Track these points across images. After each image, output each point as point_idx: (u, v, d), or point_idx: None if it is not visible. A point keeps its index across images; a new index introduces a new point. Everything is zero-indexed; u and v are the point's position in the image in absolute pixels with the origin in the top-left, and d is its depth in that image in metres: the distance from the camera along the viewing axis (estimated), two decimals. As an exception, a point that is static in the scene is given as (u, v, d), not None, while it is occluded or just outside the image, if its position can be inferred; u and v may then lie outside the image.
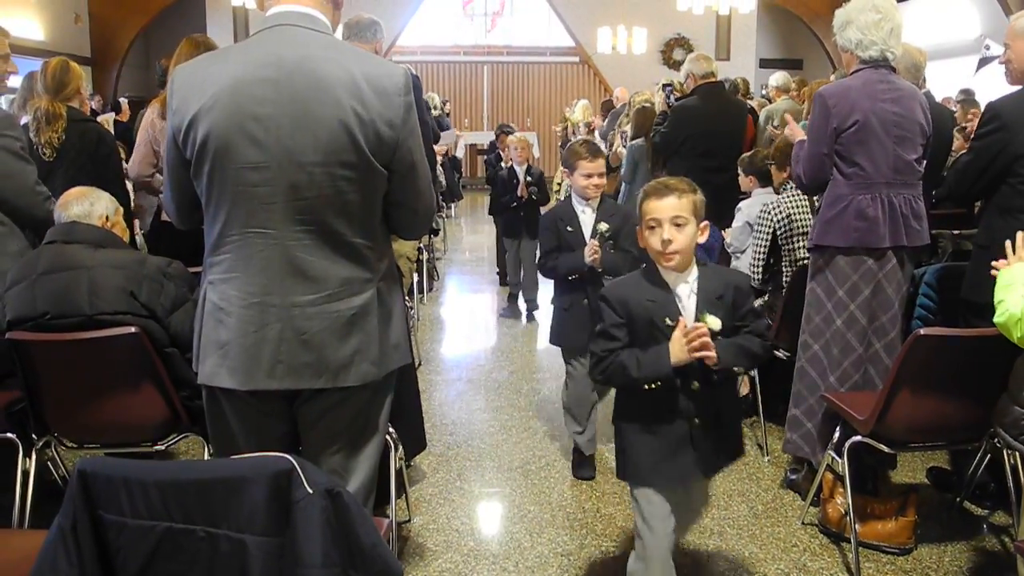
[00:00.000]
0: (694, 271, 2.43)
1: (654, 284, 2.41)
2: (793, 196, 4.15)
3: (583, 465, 3.85)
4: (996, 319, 2.46)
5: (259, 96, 1.90)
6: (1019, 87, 3.32)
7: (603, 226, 3.60)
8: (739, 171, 4.92)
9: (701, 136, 5.36)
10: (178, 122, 1.96)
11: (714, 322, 2.32)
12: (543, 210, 6.56)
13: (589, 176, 3.67)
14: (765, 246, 4.19)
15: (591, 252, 3.53)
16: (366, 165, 1.96)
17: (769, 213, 4.17)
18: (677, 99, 5.97)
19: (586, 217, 3.70)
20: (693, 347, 2.28)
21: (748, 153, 5.12)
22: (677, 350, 2.30)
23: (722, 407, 2.47)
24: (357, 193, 1.97)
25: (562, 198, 6.76)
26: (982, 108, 3.60)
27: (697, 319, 2.34)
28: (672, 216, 2.35)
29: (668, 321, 2.34)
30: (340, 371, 2.02)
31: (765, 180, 4.79)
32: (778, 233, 4.13)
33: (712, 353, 2.28)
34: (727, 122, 5.55)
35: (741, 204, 4.96)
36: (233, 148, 1.91)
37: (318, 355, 2.00)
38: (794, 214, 4.10)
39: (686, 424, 2.40)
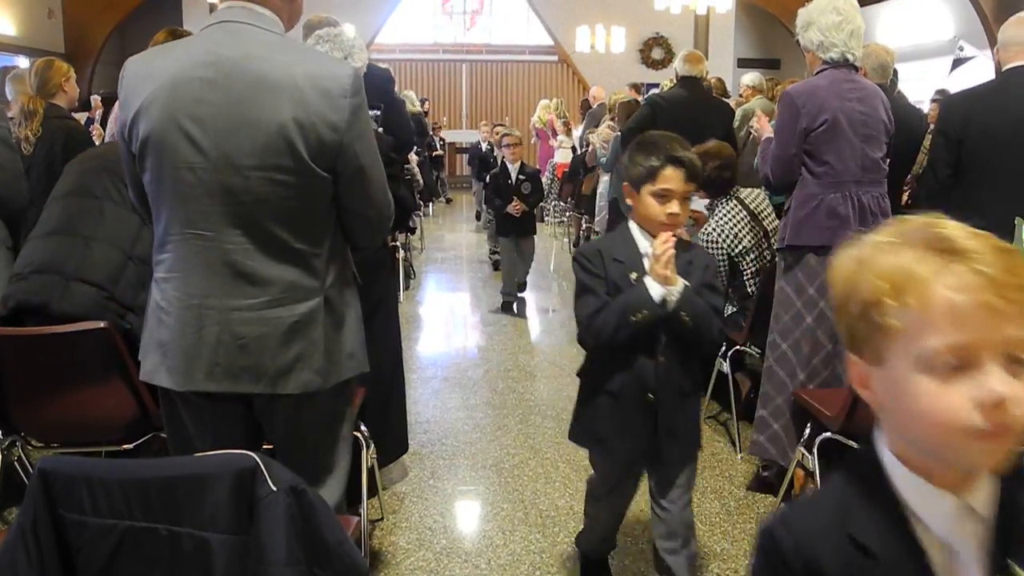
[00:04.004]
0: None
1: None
2: (729, 212, 4.13)
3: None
4: None
5: (196, 96, 1.87)
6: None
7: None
8: None
9: (680, 123, 5.36)
10: (124, 116, 1.95)
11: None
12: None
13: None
14: (724, 269, 4.14)
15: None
16: (305, 170, 1.90)
17: (715, 242, 4.10)
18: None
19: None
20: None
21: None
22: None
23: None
24: (297, 199, 1.92)
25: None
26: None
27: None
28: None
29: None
30: (279, 378, 1.98)
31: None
32: (732, 254, 4.10)
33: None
34: (709, 113, 5.55)
35: None
36: (170, 147, 1.88)
37: (256, 360, 1.96)
38: (739, 232, 4.09)
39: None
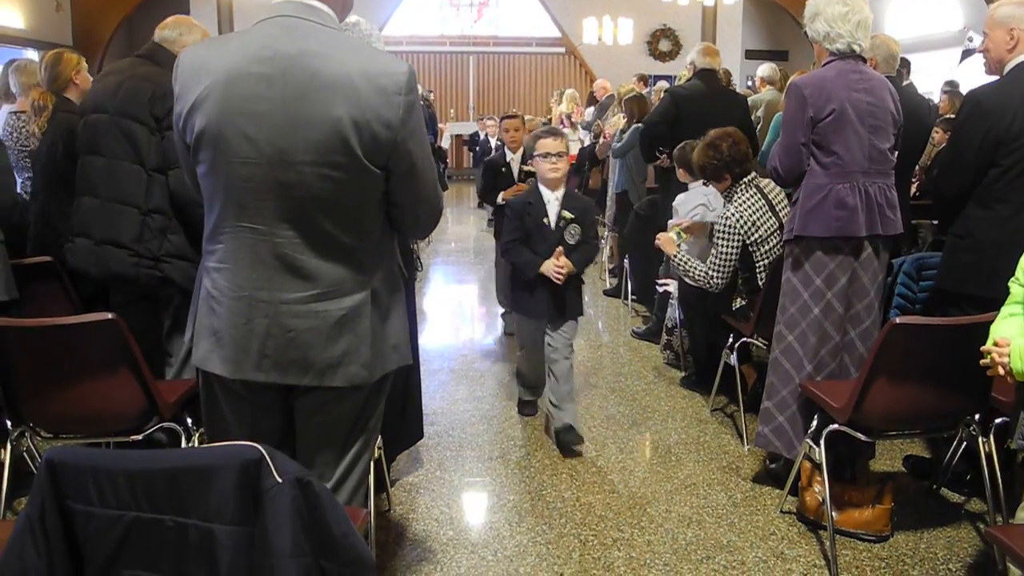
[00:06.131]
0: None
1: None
2: (749, 198, 4.10)
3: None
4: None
5: (253, 92, 1.88)
6: (997, 77, 3.34)
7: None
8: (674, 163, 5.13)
9: (701, 115, 5.36)
10: (180, 108, 1.97)
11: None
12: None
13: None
14: (734, 256, 4.09)
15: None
16: (358, 166, 1.91)
17: (732, 227, 4.05)
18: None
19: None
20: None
21: (679, 145, 5.16)
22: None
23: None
24: (349, 194, 1.94)
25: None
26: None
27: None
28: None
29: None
30: (327, 371, 2.00)
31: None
32: (747, 242, 4.07)
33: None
34: (726, 105, 5.55)
35: (676, 200, 5.01)
36: (226, 141, 1.90)
37: (304, 354, 1.98)
38: (757, 219, 4.06)
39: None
